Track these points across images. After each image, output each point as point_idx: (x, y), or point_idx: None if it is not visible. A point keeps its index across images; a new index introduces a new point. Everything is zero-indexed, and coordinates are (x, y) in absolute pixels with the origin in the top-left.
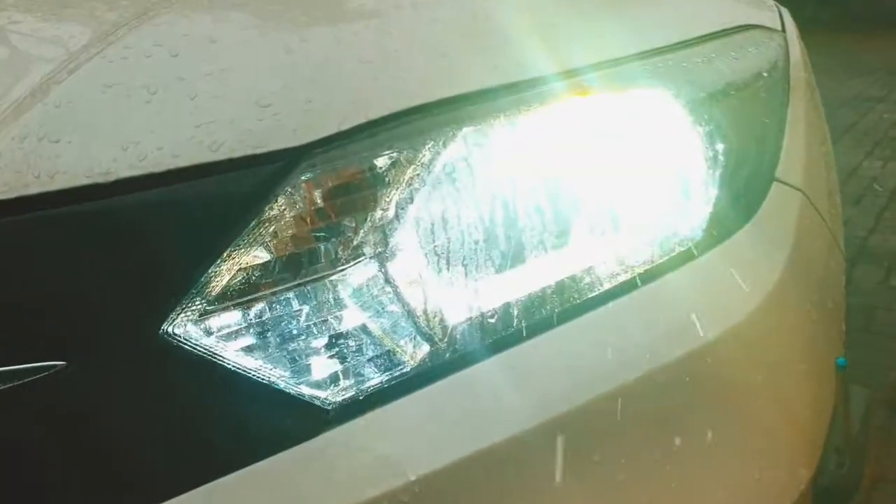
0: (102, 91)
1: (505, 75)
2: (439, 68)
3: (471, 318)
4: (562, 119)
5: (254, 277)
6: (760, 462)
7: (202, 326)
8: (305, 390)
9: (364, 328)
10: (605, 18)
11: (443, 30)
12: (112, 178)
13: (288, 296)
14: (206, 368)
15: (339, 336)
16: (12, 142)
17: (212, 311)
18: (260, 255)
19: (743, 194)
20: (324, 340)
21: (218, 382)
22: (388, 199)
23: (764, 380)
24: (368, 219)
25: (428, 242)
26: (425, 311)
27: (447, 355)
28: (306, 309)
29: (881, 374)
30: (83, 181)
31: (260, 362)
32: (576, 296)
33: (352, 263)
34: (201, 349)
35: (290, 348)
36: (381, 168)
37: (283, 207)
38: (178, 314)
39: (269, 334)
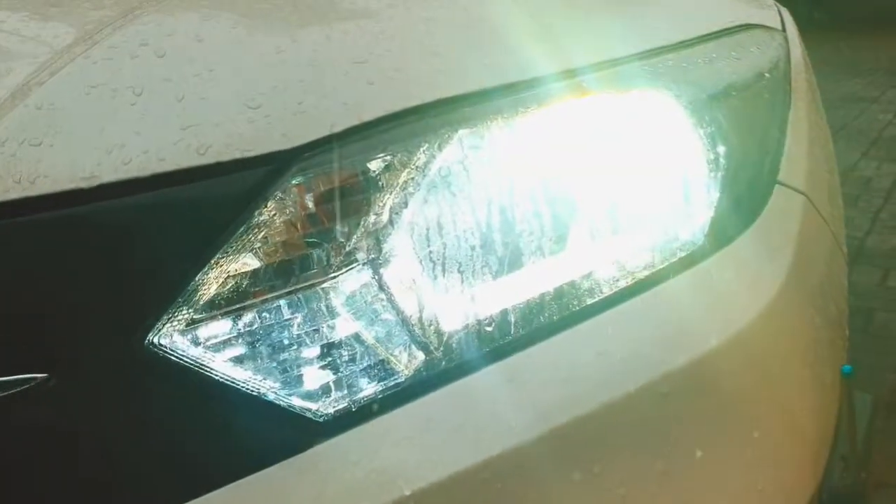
0: (86, 92)
1: (502, 75)
2: (434, 68)
3: (467, 326)
4: (560, 121)
5: (243, 285)
6: (765, 472)
7: (189, 336)
8: (296, 402)
9: (357, 337)
10: (604, 17)
11: (437, 28)
12: (96, 182)
13: (278, 304)
14: (194, 380)
15: (331, 345)
16: None
17: (199, 321)
18: (249, 262)
19: (745, 198)
20: (315, 350)
21: (205, 394)
22: (381, 204)
23: (768, 388)
24: (361, 224)
25: (423, 248)
26: (420, 319)
27: (443, 364)
28: (297, 317)
29: (880, 377)
30: (66, 186)
31: (249, 373)
32: (575, 302)
33: (344, 270)
34: (188, 360)
35: (280, 358)
36: (374, 171)
37: (273, 212)
38: (164, 324)
39: (258, 344)
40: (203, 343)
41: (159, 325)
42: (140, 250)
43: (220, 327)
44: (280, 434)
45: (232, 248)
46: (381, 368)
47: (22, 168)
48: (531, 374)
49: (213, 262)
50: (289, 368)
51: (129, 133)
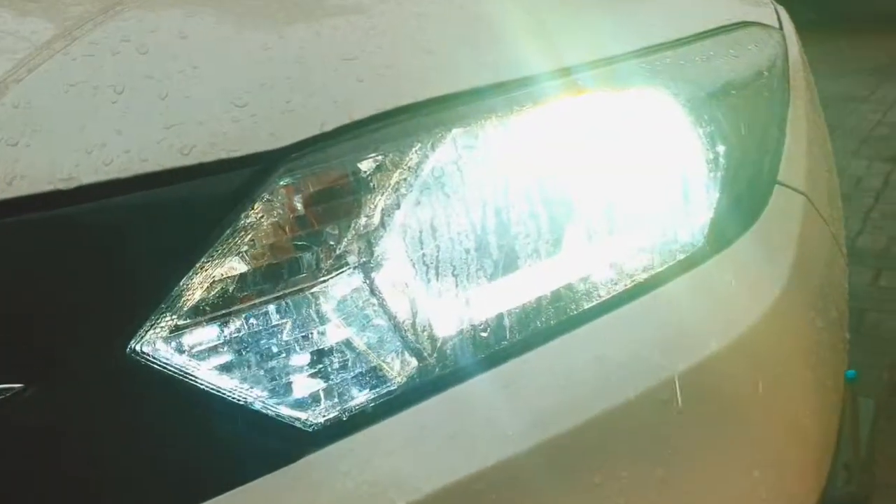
0: (65, 90)
1: (496, 73)
2: (426, 66)
3: (461, 332)
4: (556, 120)
5: (229, 290)
6: (767, 481)
7: (173, 344)
8: (285, 411)
9: (348, 343)
10: (600, 14)
11: (430, 25)
12: (74, 183)
13: (266, 310)
14: (177, 389)
15: (320, 352)
16: None
17: (183, 327)
18: (235, 267)
19: (745, 198)
20: (304, 357)
21: (190, 404)
22: (373, 206)
23: (769, 394)
24: (352, 226)
25: (416, 251)
26: (413, 325)
27: (437, 371)
28: (286, 324)
29: (873, 377)
30: (44, 187)
31: (236, 382)
32: (572, 306)
33: (334, 274)
34: (172, 368)
35: (268, 366)
36: (365, 172)
37: (260, 215)
38: (147, 331)
39: (245, 351)
40: (187, 350)
41: (142, 332)
42: (122, 254)
43: (205, 334)
44: (268, 445)
45: (217, 251)
46: (373, 376)
47: None
48: (527, 380)
49: (197, 266)
50: (277, 376)
51: (110, 132)
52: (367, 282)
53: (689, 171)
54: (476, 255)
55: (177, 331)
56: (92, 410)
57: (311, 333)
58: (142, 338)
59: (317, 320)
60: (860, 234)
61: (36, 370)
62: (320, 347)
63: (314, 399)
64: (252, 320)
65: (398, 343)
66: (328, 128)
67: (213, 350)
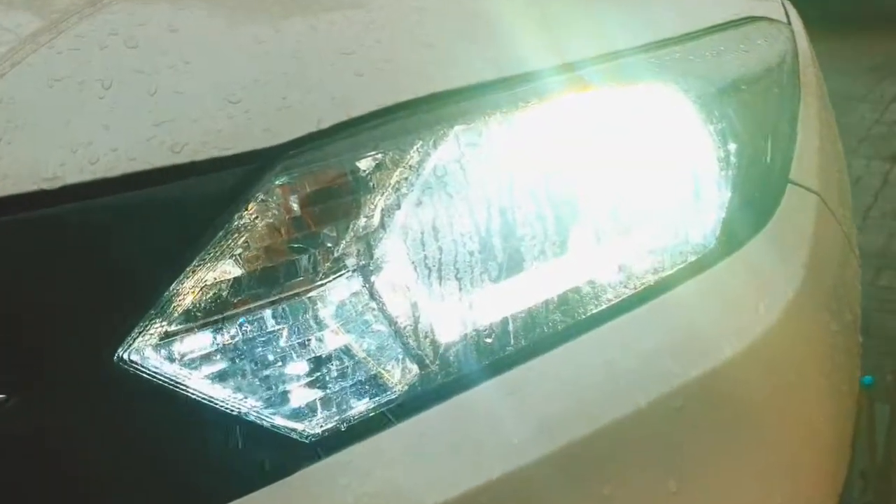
0: (50, 86)
1: (499, 69)
2: (427, 60)
3: (465, 337)
4: (562, 117)
5: (222, 295)
6: (781, 490)
7: (163, 351)
8: (281, 422)
9: (346, 350)
10: (605, 8)
11: (430, 18)
12: (59, 183)
13: (261, 315)
14: (168, 399)
15: (318, 360)
16: None
17: (174, 334)
18: (229, 270)
19: (757, 198)
20: (301, 365)
21: (181, 415)
22: (372, 206)
23: (783, 400)
24: (351, 227)
25: (417, 253)
26: (414, 330)
27: (439, 379)
28: (281, 330)
29: (879, 378)
30: (27, 187)
31: (229, 391)
32: (580, 310)
33: (332, 277)
34: (162, 377)
35: (263, 375)
36: (364, 171)
37: (254, 216)
38: (136, 338)
39: (239, 359)
40: (178, 358)
41: (130, 339)
42: (109, 258)
43: (196, 341)
44: (263, 457)
45: (210, 254)
46: (373, 384)
47: None
48: (534, 388)
49: (189, 269)
50: (272, 385)
51: (97, 129)
52: (367, 285)
53: (699, 170)
54: (480, 257)
55: (167, 338)
56: (77, 423)
57: (308, 340)
58: (130, 345)
59: (314, 326)
60: (860, 232)
61: (17, 381)
62: (318, 354)
63: (311, 409)
64: (246, 326)
65: (399, 349)
66: (325, 125)
67: (206, 358)
